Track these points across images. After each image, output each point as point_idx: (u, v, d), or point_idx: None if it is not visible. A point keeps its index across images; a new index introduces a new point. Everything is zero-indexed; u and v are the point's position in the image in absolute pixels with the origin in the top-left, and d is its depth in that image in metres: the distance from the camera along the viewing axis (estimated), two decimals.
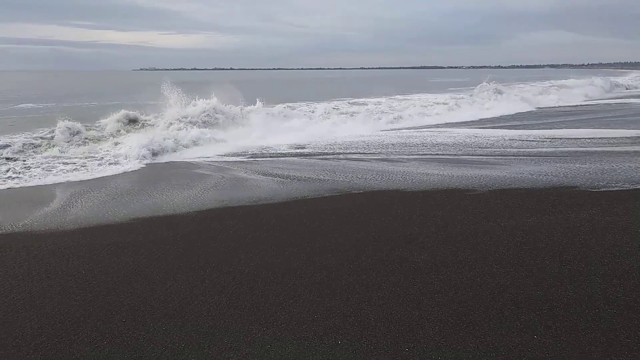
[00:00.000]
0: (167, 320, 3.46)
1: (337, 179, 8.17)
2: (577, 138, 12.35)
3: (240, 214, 6.18)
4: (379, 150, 11.30)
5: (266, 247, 4.97)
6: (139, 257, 4.72)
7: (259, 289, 3.95)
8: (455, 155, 10.41)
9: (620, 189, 6.75)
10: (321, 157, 10.51)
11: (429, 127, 15.81)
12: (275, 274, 4.26)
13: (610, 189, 6.79)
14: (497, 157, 10.02)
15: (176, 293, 3.90)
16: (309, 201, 6.79)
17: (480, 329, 3.16)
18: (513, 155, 10.08)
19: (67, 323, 3.44)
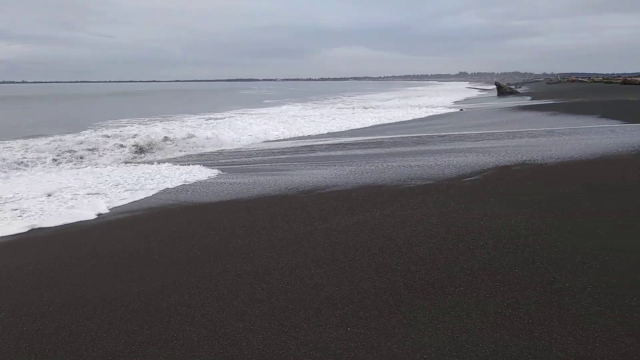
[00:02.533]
0: None
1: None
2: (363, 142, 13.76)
3: None
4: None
5: (74, 279, 4.49)
6: None
7: (66, 327, 3.54)
8: (269, 164, 10.75)
9: (414, 185, 7.70)
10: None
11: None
12: (86, 308, 3.87)
13: (409, 185, 7.70)
14: (305, 163, 10.63)
15: None
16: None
17: (301, 330, 3.30)
18: (321, 160, 10.80)
19: None
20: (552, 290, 3.67)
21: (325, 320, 3.41)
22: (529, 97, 37.74)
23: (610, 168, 8.13)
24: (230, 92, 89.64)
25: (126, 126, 22.60)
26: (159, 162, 12.68)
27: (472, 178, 7.91)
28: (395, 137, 15.37)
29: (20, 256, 5.54)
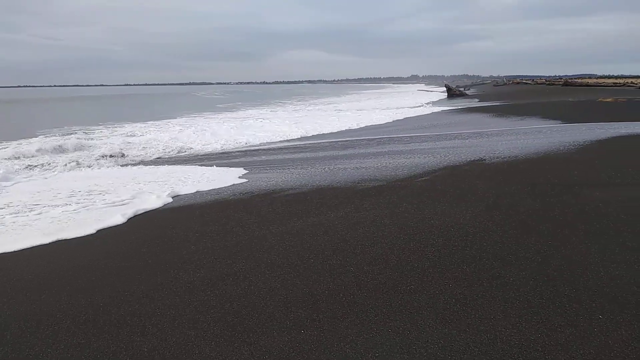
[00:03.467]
0: None
1: None
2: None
3: None
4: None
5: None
6: None
7: (8, 344, 3.39)
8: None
9: (368, 186, 7.81)
10: None
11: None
12: (30, 323, 3.71)
13: (363, 186, 7.80)
14: (258, 166, 10.59)
15: None
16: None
17: (254, 334, 3.29)
18: (279, 163, 10.79)
19: None
20: (498, 284, 3.82)
21: (280, 324, 3.41)
22: (476, 99, 39.05)
23: (552, 166, 8.52)
24: (186, 96, 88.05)
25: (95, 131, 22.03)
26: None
27: (423, 178, 8.11)
28: (339, 141, 15.54)
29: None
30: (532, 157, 9.38)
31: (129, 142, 17.64)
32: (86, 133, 21.99)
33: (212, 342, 3.24)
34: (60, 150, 15.46)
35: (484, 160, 9.48)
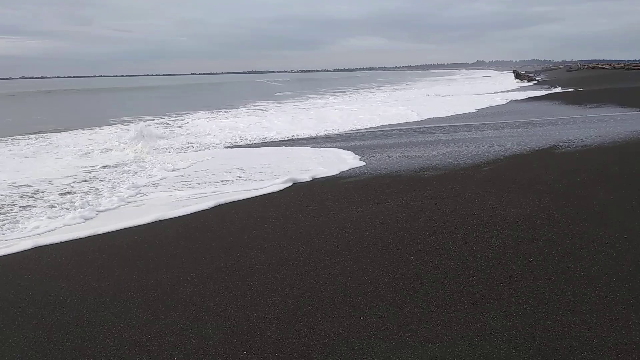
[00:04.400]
0: None
1: None
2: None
3: None
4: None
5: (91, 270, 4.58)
6: None
7: (84, 317, 3.63)
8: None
9: (429, 175, 7.66)
10: None
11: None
12: (103, 299, 3.95)
13: (424, 175, 7.67)
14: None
15: None
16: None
17: (314, 319, 3.33)
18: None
19: None
20: (567, 279, 3.65)
21: (339, 310, 3.43)
22: (547, 85, 37.15)
23: (628, 157, 7.99)
24: (251, 84, 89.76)
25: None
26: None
27: (487, 168, 7.84)
28: (393, 130, 15.29)
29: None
30: (607, 146, 8.83)
31: (223, 128, 18.25)
32: (171, 119, 23.15)
33: (272, 324, 3.31)
34: (160, 136, 16.14)
35: (555, 148, 9.03)
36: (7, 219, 6.74)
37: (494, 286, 3.62)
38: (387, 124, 17.35)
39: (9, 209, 7.33)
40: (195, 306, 3.68)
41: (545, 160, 8.10)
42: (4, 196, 8.12)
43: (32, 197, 8.07)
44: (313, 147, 12.10)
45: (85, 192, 8.24)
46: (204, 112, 26.44)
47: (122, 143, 14.36)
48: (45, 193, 8.30)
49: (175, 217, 6.40)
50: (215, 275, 4.27)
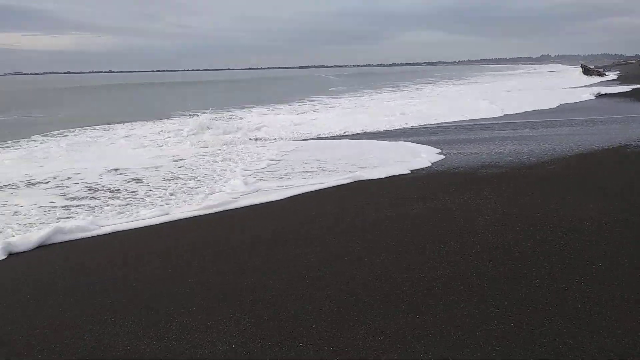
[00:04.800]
0: None
1: None
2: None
3: None
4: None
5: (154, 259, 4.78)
6: None
7: (146, 302, 3.80)
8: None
9: (488, 172, 7.43)
10: None
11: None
12: (166, 285, 4.12)
13: (482, 173, 7.45)
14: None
15: None
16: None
17: (369, 315, 3.32)
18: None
19: None
20: (639, 285, 3.43)
21: (394, 307, 3.40)
22: (617, 82, 35.05)
23: None
24: (311, 79, 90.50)
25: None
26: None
27: (551, 167, 7.51)
28: (450, 125, 14.89)
29: None
30: None
31: (292, 122, 18.74)
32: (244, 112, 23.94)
33: (328, 317, 3.33)
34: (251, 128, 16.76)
35: (627, 147, 8.52)
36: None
37: (557, 290, 3.47)
38: (470, 118, 16.89)
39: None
40: (252, 295, 3.76)
41: (613, 160, 7.66)
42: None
43: (171, 180, 8.94)
44: (390, 140, 12.09)
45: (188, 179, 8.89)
46: (263, 107, 27.02)
47: (191, 134, 15.04)
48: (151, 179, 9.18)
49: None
50: (274, 266, 4.34)
